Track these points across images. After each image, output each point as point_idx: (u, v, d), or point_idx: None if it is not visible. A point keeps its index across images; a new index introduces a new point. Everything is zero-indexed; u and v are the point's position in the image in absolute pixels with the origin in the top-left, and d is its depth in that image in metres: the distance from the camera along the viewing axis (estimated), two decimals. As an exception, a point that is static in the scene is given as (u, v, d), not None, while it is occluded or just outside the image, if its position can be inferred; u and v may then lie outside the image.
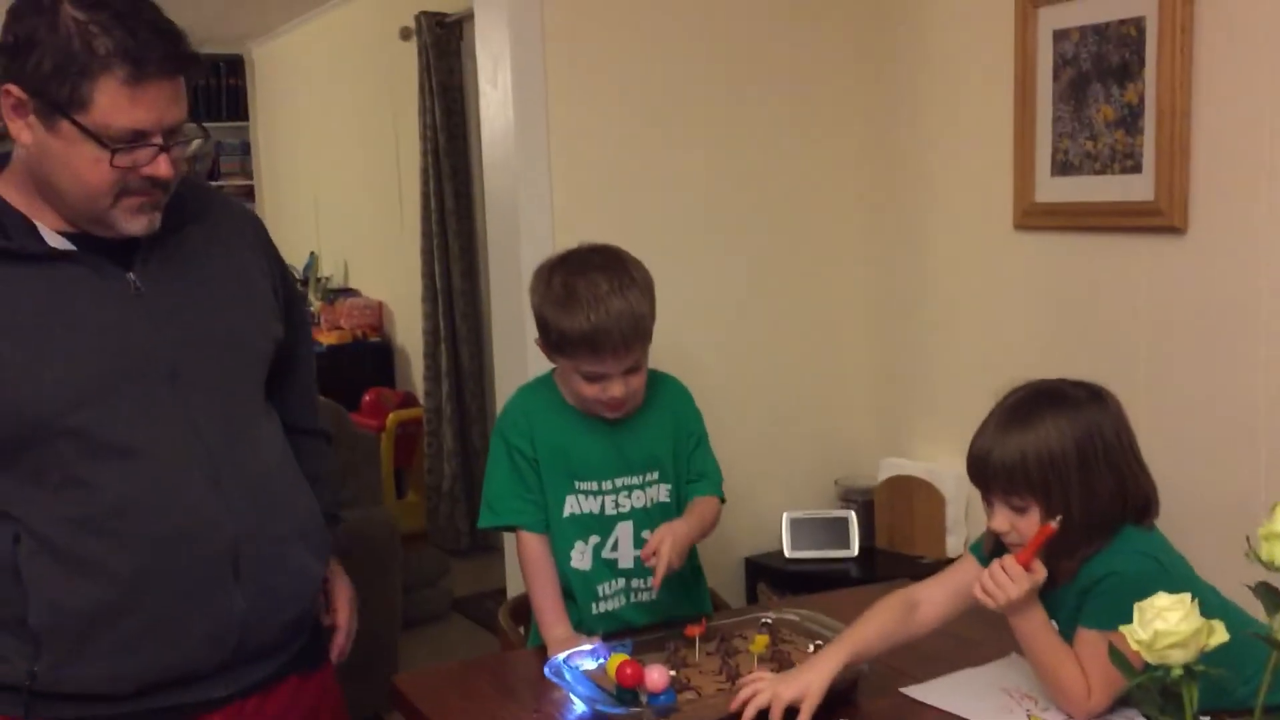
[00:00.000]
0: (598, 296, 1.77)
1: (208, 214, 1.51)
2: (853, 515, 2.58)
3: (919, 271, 2.68)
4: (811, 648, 1.66)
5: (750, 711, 1.49)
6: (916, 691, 1.63)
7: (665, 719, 1.47)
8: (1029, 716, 1.53)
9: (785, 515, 2.58)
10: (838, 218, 2.80)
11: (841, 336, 2.80)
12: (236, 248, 1.54)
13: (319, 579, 1.59)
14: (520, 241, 2.55)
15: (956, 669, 1.70)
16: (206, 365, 1.44)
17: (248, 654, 1.46)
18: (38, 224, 1.37)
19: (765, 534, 2.61)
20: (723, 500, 2.00)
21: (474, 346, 5.20)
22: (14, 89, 1.29)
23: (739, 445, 2.60)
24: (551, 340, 1.83)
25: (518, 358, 2.57)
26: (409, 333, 5.58)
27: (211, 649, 1.42)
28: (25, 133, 1.31)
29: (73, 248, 1.37)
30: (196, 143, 1.40)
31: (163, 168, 1.34)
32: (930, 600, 1.70)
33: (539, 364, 2.35)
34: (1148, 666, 1.03)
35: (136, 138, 1.31)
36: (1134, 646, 1.01)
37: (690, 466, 2.00)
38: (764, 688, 1.51)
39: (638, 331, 1.80)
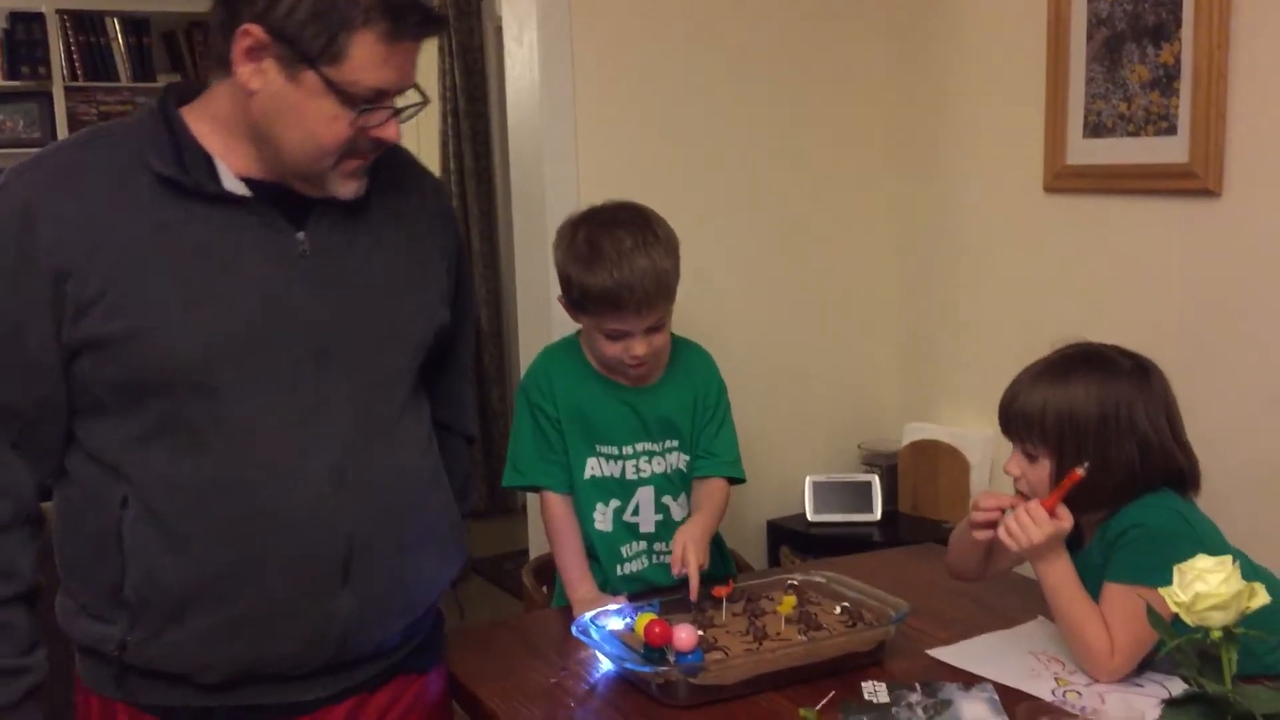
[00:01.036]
0: (621, 253, 1.76)
1: (396, 181, 1.41)
2: (876, 479, 2.57)
3: (947, 234, 2.66)
4: (839, 609, 1.66)
5: None
6: (943, 654, 1.63)
7: (693, 678, 1.47)
8: (1056, 680, 1.53)
9: (808, 479, 2.58)
10: (866, 180, 2.78)
11: (868, 299, 2.78)
12: (418, 221, 1.44)
13: (445, 583, 1.51)
14: (545, 201, 2.53)
15: (983, 633, 1.70)
16: (360, 346, 1.34)
17: (349, 659, 1.36)
18: (219, 163, 1.27)
19: (788, 497, 2.61)
20: (739, 479, 1.97)
21: (493, 309, 5.20)
22: (256, 30, 1.19)
23: (763, 408, 2.60)
24: (574, 297, 1.82)
25: (541, 319, 2.57)
26: (428, 296, 5.57)
27: (309, 651, 1.33)
28: (256, 78, 1.21)
29: (248, 193, 1.28)
30: (414, 107, 1.30)
31: (392, 131, 1.27)
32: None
33: (563, 325, 2.34)
34: (1175, 624, 1.03)
35: (378, 97, 1.24)
36: (1173, 608, 1.00)
37: (701, 442, 1.97)
38: None
39: (661, 289, 1.79)
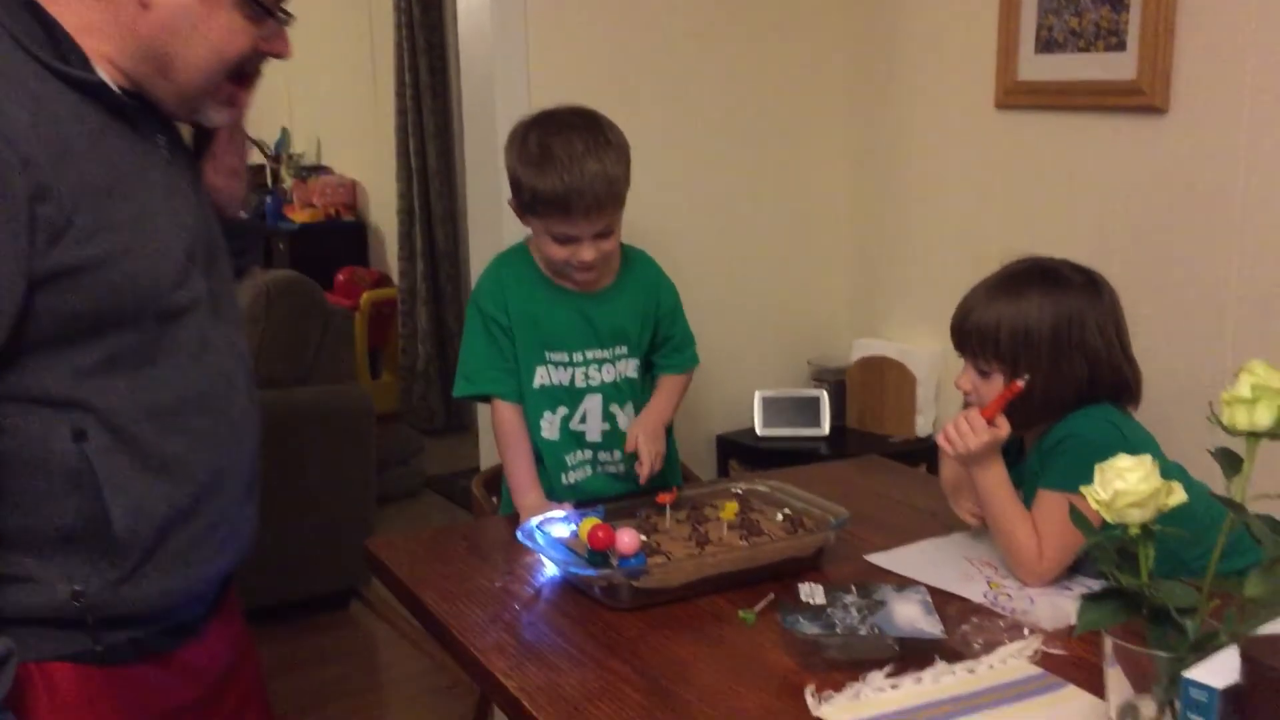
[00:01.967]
0: (572, 157, 1.76)
1: None
2: (824, 395, 2.60)
3: (899, 152, 2.66)
4: (780, 516, 1.69)
5: None
6: (880, 559, 1.67)
7: (635, 581, 1.50)
8: (989, 584, 1.57)
9: (757, 394, 2.60)
10: (819, 97, 2.76)
11: (819, 217, 2.78)
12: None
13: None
14: (496, 115, 2.50)
15: (918, 539, 1.74)
16: (219, 251, 1.33)
17: (234, 569, 1.37)
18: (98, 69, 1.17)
19: (738, 412, 2.64)
20: (696, 364, 2.04)
21: (449, 226, 5.16)
22: None
23: (713, 324, 2.61)
24: (524, 200, 1.82)
25: (493, 235, 2.55)
26: (383, 212, 5.52)
27: (235, 558, 1.33)
28: None
29: (121, 95, 1.18)
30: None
31: (285, 44, 1.24)
32: None
33: (514, 241, 2.33)
34: (1105, 529, 1.06)
35: (272, 11, 1.21)
36: (1094, 505, 1.03)
37: (664, 349, 2.02)
38: None
39: (611, 194, 1.79)
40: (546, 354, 1.91)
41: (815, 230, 2.78)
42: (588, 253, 1.82)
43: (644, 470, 1.85)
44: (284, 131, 6.17)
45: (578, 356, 1.92)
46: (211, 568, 1.29)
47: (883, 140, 2.69)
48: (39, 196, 1.07)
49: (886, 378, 2.59)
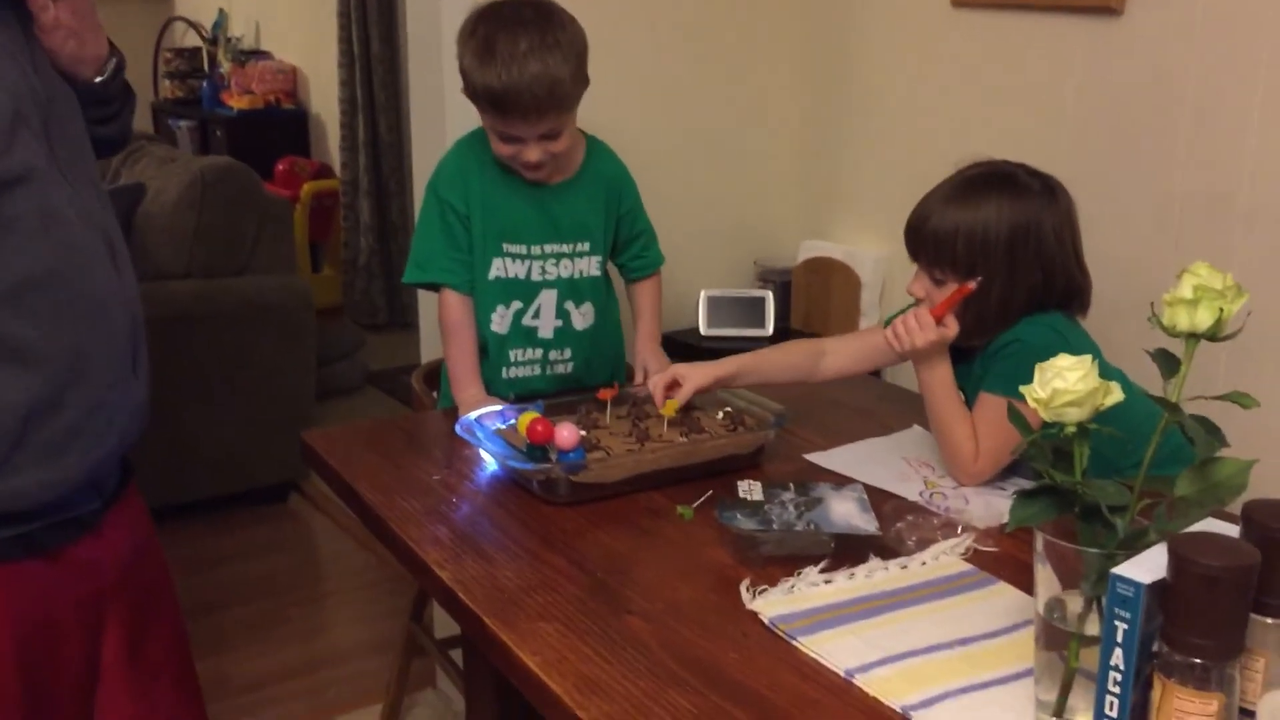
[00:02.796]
0: (515, 55, 1.69)
1: None
2: (769, 295, 2.59)
3: (851, 50, 2.61)
4: (721, 414, 1.69)
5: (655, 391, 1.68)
6: (819, 458, 1.68)
7: (574, 475, 1.49)
8: (925, 483, 1.59)
9: (702, 293, 2.58)
10: (772, -10, 2.70)
11: (768, 116, 2.73)
12: None
13: None
14: (440, 2, 2.41)
15: (857, 439, 1.76)
16: (65, 123, 1.25)
17: (123, 451, 1.33)
18: None
19: (682, 312, 2.61)
20: (662, 261, 2.06)
21: (393, 117, 5.03)
22: None
23: (660, 223, 2.54)
24: (469, 93, 1.76)
25: (435, 127, 2.47)
26: (325, 100, 5.36)
27: (119, 445, 1.28)
28: None
29: None
30: None
31: None
32: (836, 352, 1.79)
33: (459, 134, 2.26)
34: (1043, 430, 1.06)
35: None
36: (1032, 404, 1.03)
37: (632, 249, 2.00)
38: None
39: (553, 98, 1.72)
40: (504, 245, 1.86)
41: (764, 130, 2.74)
42: (532, 153, 1.77)
43: (674, 397, 1.70)
44: (221, 13, 5.94)
45: (536, 250, 1.88)
46: (93, 456, 1.23)
47: (835, 38, 2.64)
48: None
49: (832, 280, 2.58)
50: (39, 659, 1.25)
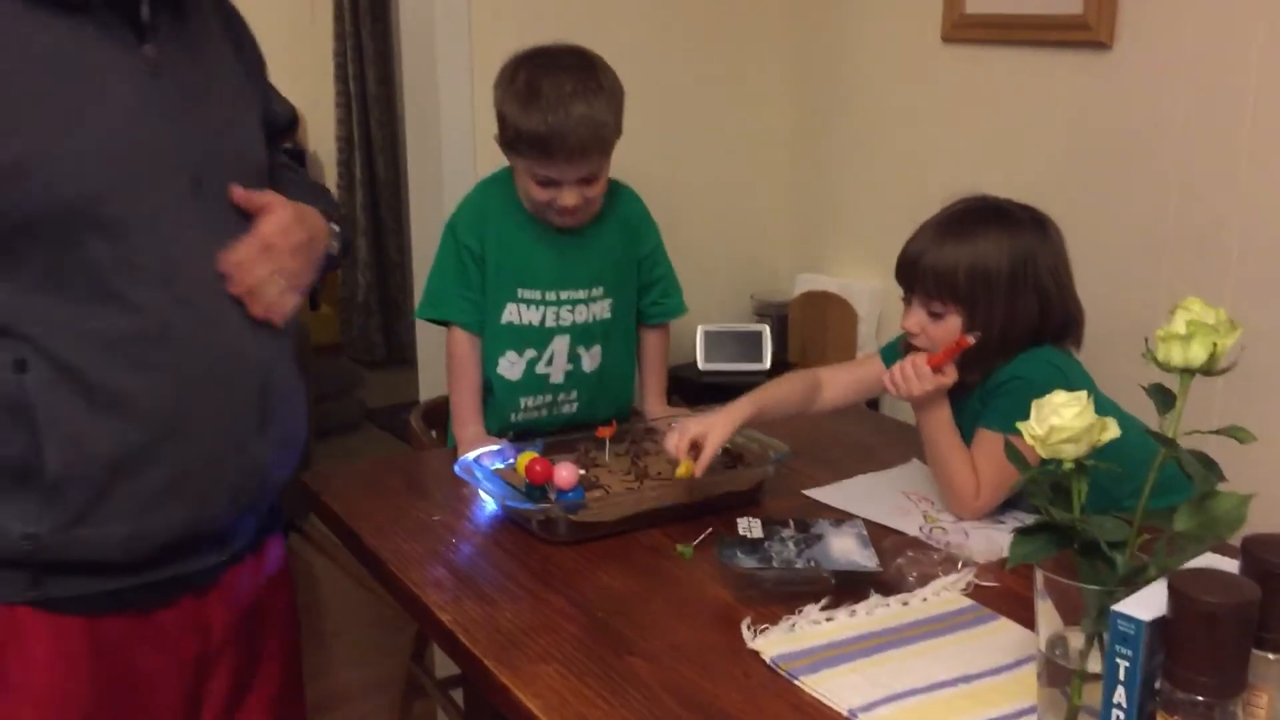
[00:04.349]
0: (560, 97, 1.71)
1: None
2: (766, 329, 2.59)
3: (843, 84, 2.63)
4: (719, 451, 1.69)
5: (671, 448, 1.58)
6: (818, 493, 1.68)
7: (573, 515, 1.49)
8: (925, 517, 1.59)
9: (700, 328, 2.59)
10: (760, 28, 2.72)
11: (762, 151, 2.75)
12: (231, 39, 1.32)
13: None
14: (435, 41, 2.43)
15: (855, 474, 1.76)
16: (224, 178, 1.22)
17: (255, 510, 1.30)
18: None
19: (680, 346, 2.62)
20: (684, 311, 2.06)
21: (390, 155, 5.06)
22: None
23: (656, 257, 2.59)
24: (508, 137, 1.77)
25: (432, 166, 2.49)
26: (322, 140, 5.39)
27: (231, 505, 1.24)
28: None
29: None
30: None
31: None
32: (833, 383, 1.79)
33: (455, 174, 2.28)
34: (1043, 465, 1.06)
35: None
36: (1029, 441, 1.03)
37: (652, 294, 2.00)
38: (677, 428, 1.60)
39: (596, 140, 1.74)
40: (519, 291, 1.87)
41: (758, 165, 2.75)
42: (569, 198, 1.78)
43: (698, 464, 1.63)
44: (218, 55, 5.98)
45: (551, 295, 1.88)
46: (194, 514, 1.19)
47: (828, 73, 2.66)
48: None
49: (828, 313, 2.59)
50: (122, 711, 1.22)
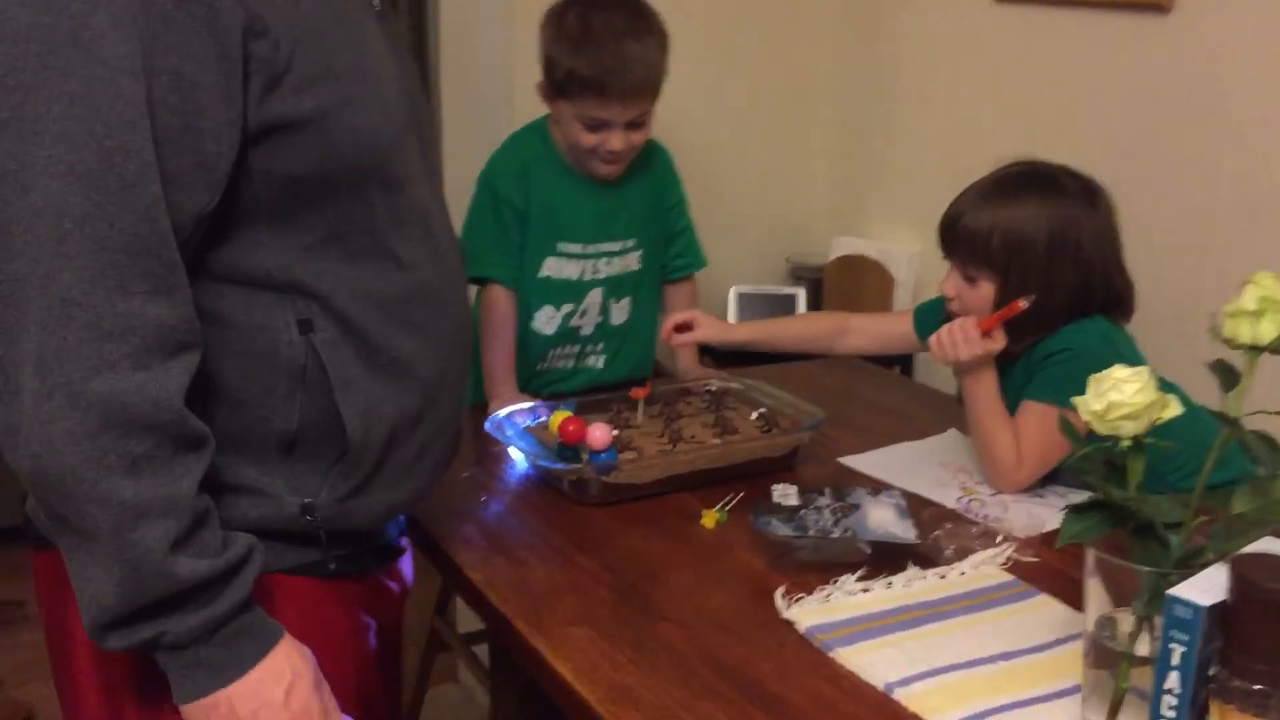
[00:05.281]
0: (614, 35, 1.69)
1: None
2: (801, 292, 2.55)
3: (891, 43, 2.57)
4: (754, 415, 1.66)
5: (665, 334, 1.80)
6: (854, 461, 1.65)
7: (605, 476, 1.47)
8: (963, 489, 1.56)
9: (733, 289, 2.55)
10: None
11: (803, 109, 2.70)
12: None
13: None
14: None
15: (893, 443, 1.72)
16: (427, 134, 1.17)
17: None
18: None
19: (711, 307, 2.58)
20: (704, 264, 2.06)
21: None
22: None
23: (692, 217, 2.54)
24: (557, 80, 1.74)
25: (468, 117, 2.45)
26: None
27: (444, 474, 1.21)
28: None
29: None
30: None
31: None
32: (860, 330, 1.83)
33: (491, 125, 2.23)
34: (1091, 438, 1.03)
35: None
36: (1086, 417, 1.00)
37: (675, 246, 1.99)
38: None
39: (649, 81, 1.73)
40: (558, 245, 1.85)
41: (799, 123, 2.70)
42: (617, 141, 1.76)
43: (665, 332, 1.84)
44: None
45: (590, 249, 1.86)
46: (427, 481, 1.16)
47: (874, 30, 2.60)
48: (254, 30, 0.92)
49: (865, 277, 2.55)
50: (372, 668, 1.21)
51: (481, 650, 2.22)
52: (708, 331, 1.72)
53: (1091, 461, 1.01)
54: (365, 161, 1.01)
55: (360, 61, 1.01)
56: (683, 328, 1.77)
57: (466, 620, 2.44)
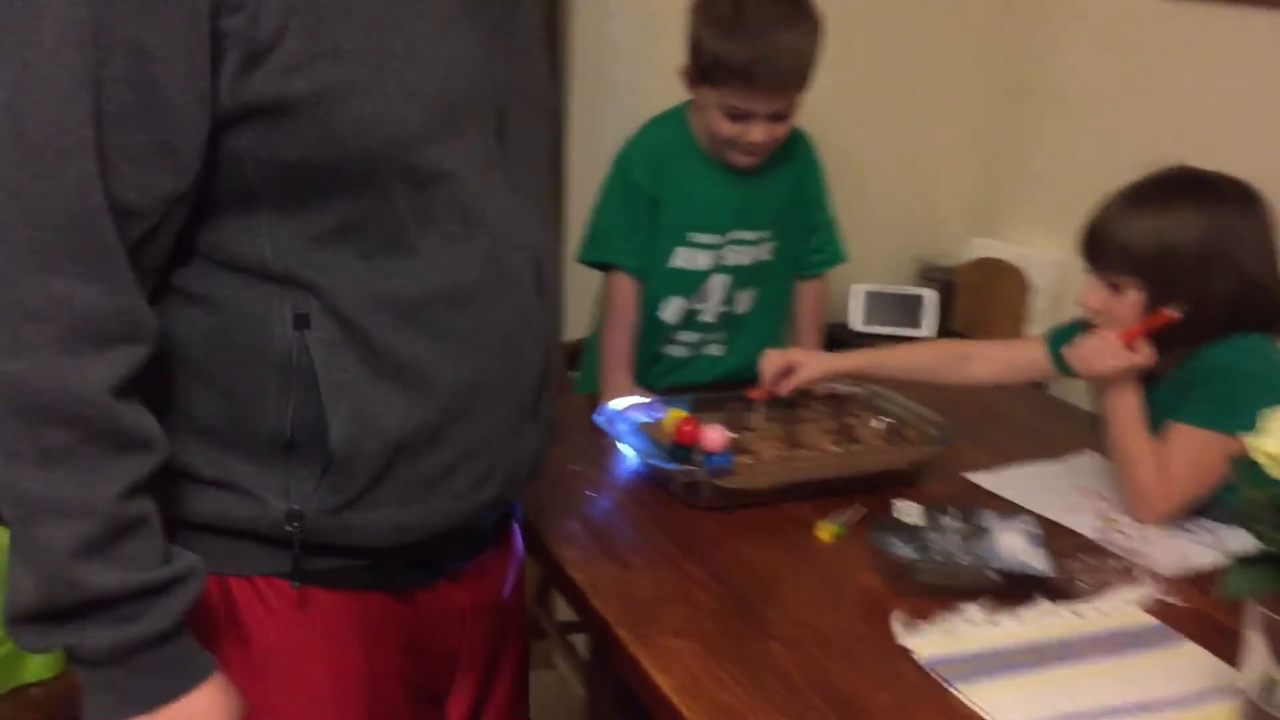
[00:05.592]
0: (766, 23, 1.63)
1: None
2: (931, 294, 2.44)
3: (1046, 37, 2.44)
4: (878, 424, 1.58)
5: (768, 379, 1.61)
6: (982, 479, 1.56)
7: (719, 480, 1.41)
8: (1101, 518, 1.45)
9: (858, 287, 2.46)
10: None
11: (947, 103, 2.58)
12: None
13: None
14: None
15: (1026, 461, 1.62)
16: (524, 120, 1.06)
17: (513, 500, 1.16)
18: None
19: (834, 305, 2.50)
20: (842, 259, 2.00)
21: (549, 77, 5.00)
22: None
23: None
24: (702, 66, 1.69)
25: (597, 97, 2.41)
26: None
27: (505, 498, 1.09)
28: None
29: None
30: None
31: None
32: (985, 358, 1.67)
33: (620, 105, 2.19)
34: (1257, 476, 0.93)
35: None
36: (1259, 458, 0.89)
37: (814, 240, 1.93)
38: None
39: (798, 71, 1.66)
40: (690, 235, 1.80)
41: (941, 117, 2.58)
42: (759, 133, 1.70)
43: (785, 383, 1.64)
44: None
45: (722, 239, 1.81)
46: (464, 506, 1.04)
47: (1028, 29, 2.47)
48: (228, 2, 0.86)
49: (1000, 282, 2.43)
50: (383, 692, 1.09)
51: (579, 639, 2.19)
52: (810, 371, 1.56)
53: (1261, 507, 0.91)
54: (378, 151, 0.92)
55: (383, 41, 0.92)
56: (784, 373, 1.60)
57: (565, 609, 2.41)
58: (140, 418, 0.88)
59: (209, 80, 0.86)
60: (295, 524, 0.97)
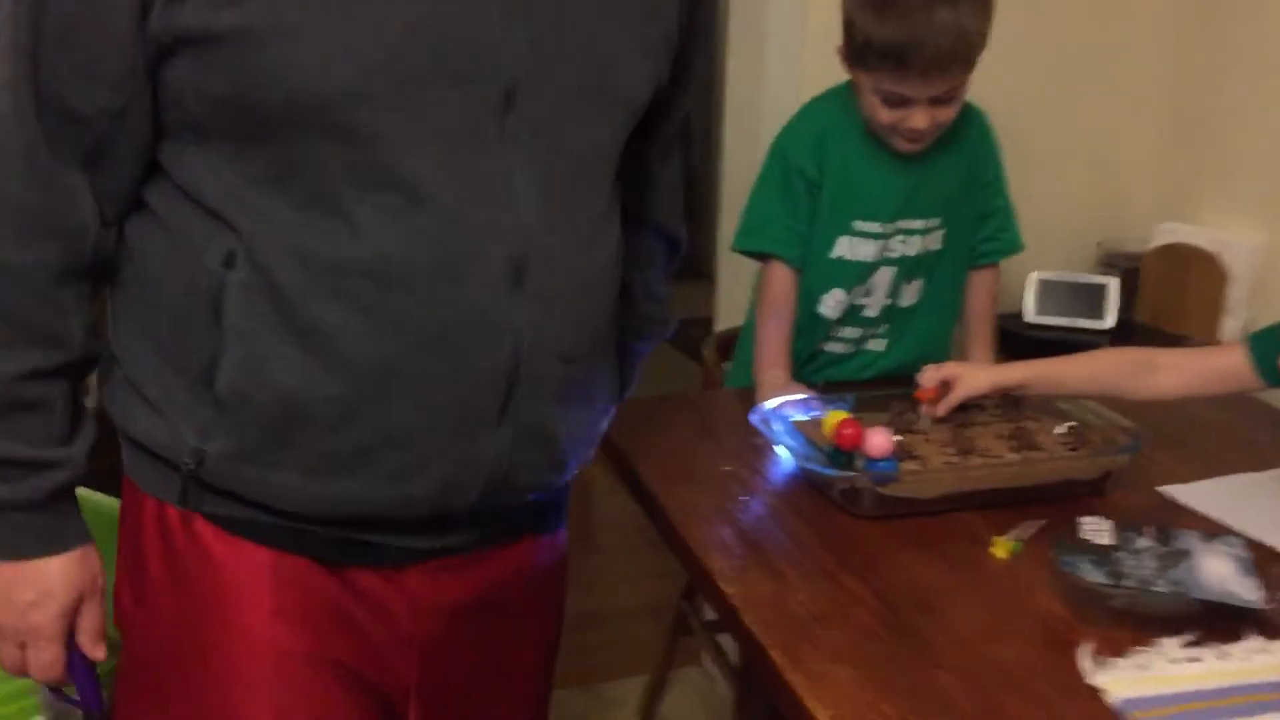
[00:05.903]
0: (923, 1, 1.50)
1: None
2: (1113, 282, 2.27)
3: (1246, 10, 2.22)
4: (1061, 429, 1.45)
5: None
6: (1178, 492, 1.42)
7: (883, 488, 1.31)
8: (1318, 541, 1.29)
9: (1033, 275, 2.30)
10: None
11: (1133, 71, 2.39)
12: None
13: (598, 435, 1.18)
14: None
15: (1229, 472, 1.47)
16: (559, 97, 0.98)
17: (486, 508, 1.06)
18: None
19: (1007, 293, 2.34)
20: (1020, 248, 1.88)
21: (704, 51, 4.91)
22: None
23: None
24: (855, 46, 1.58)
25: (753, 75, 2.31)
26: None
27: (445, 497, 1.02)
28: None
29: None
30: None
31: None
32: (1174, 368, 1.45)
33: (778, 84, 2.11)
34: None
35: None
36: None
37: (987, 228, 1.81)
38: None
39: (959, 53, 1.53)
40: (854, 223, 1.69)
41: (1127, 91, 2.39)
42: (920, 119, 1.58)
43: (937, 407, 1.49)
44: None
45: (889, 228, 1.70)
46: (393, 494, 1.00)
47: (1224, -10, 2.26)
48: None
49: (1192, 270, 2.23)
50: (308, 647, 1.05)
51: (727, 640, 2.12)
52: (968, 387, 1.42)
53: None
54: (298, 101, 0.90)
55: None
56: (942, 386, 1.47)
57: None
58: (57, 315, 0.97)
59: (141, 9, 0.90)
60: (192, 461, 0.99)
